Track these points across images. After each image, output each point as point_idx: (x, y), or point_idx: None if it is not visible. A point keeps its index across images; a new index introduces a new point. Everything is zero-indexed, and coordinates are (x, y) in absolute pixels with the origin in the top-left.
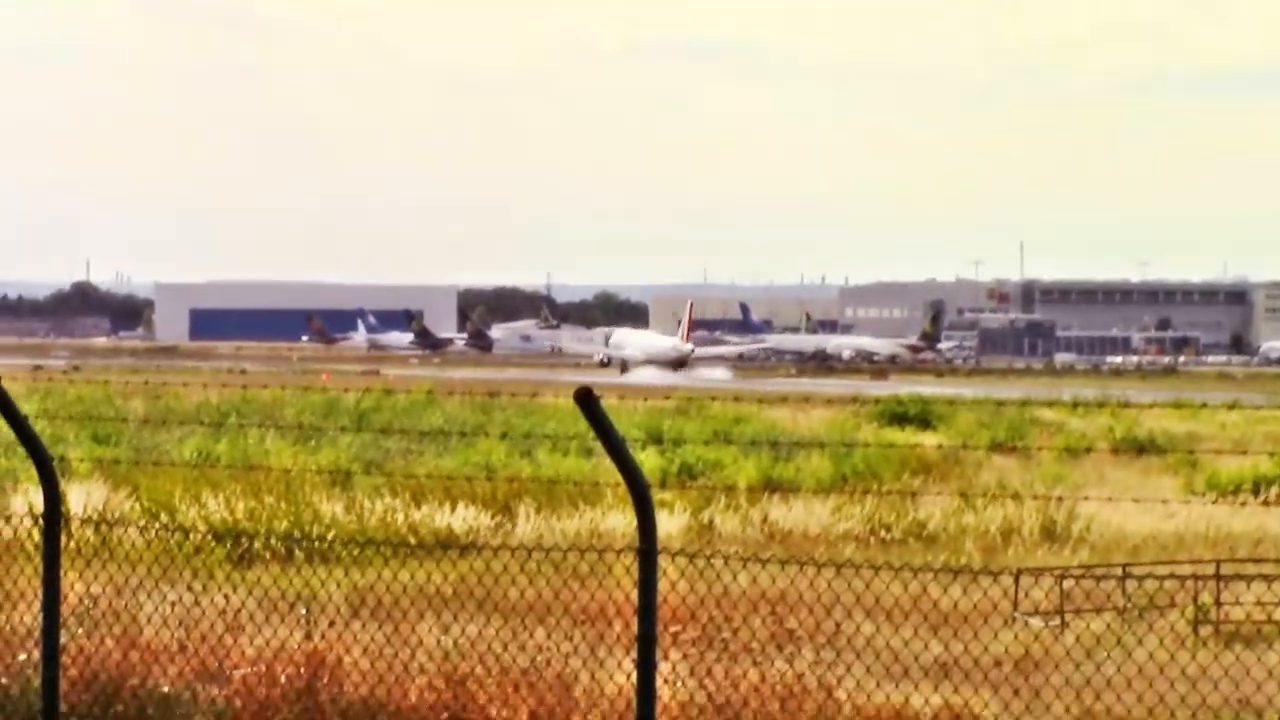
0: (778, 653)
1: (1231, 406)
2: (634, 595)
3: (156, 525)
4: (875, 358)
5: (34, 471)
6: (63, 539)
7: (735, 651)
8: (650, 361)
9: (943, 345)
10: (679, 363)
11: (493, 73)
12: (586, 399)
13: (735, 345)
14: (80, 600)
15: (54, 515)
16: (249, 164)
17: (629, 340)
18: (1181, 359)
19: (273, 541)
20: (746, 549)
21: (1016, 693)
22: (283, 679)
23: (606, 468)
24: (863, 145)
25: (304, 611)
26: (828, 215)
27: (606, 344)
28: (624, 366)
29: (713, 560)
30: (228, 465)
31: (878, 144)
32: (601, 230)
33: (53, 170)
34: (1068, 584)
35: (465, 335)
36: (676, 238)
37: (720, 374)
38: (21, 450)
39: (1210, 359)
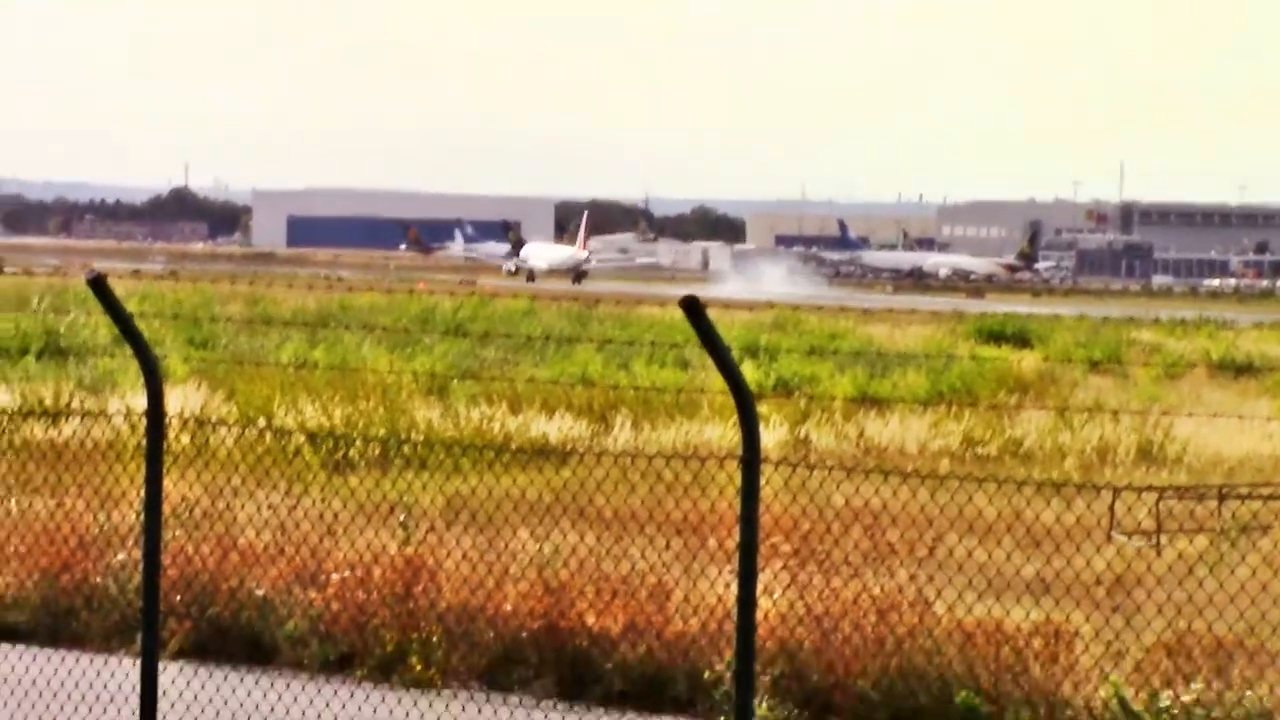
0: (875, 567)
1: None
2: (731, 507)
3: (254, 429)
4: (972, 276)
5: (131, 377)
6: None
7: (833, 564)
8: (552, 270)
9: (1040, 265)
10: (579, 273)
11: None
12: (693, 306)
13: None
14: (178, 504)
15: (157, 412)
16: (350, 73)
17: (535, 252)
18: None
19: (369, 447)
20: (842, 464)
21: (1115, 610)
22: (379, 584)
23: (700, 381)
24: (963, 64)
25: (401, 517)
26: (927, 133)
27: (516, 256)
28: (530, 275)
29: (813, 472)
30: (328, 368)
31: (978, 63)
32: (700, 144)
33: (153, 77)
34: (1164, 504)
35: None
36: (776, 153)
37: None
38: (118, 353)
39: None
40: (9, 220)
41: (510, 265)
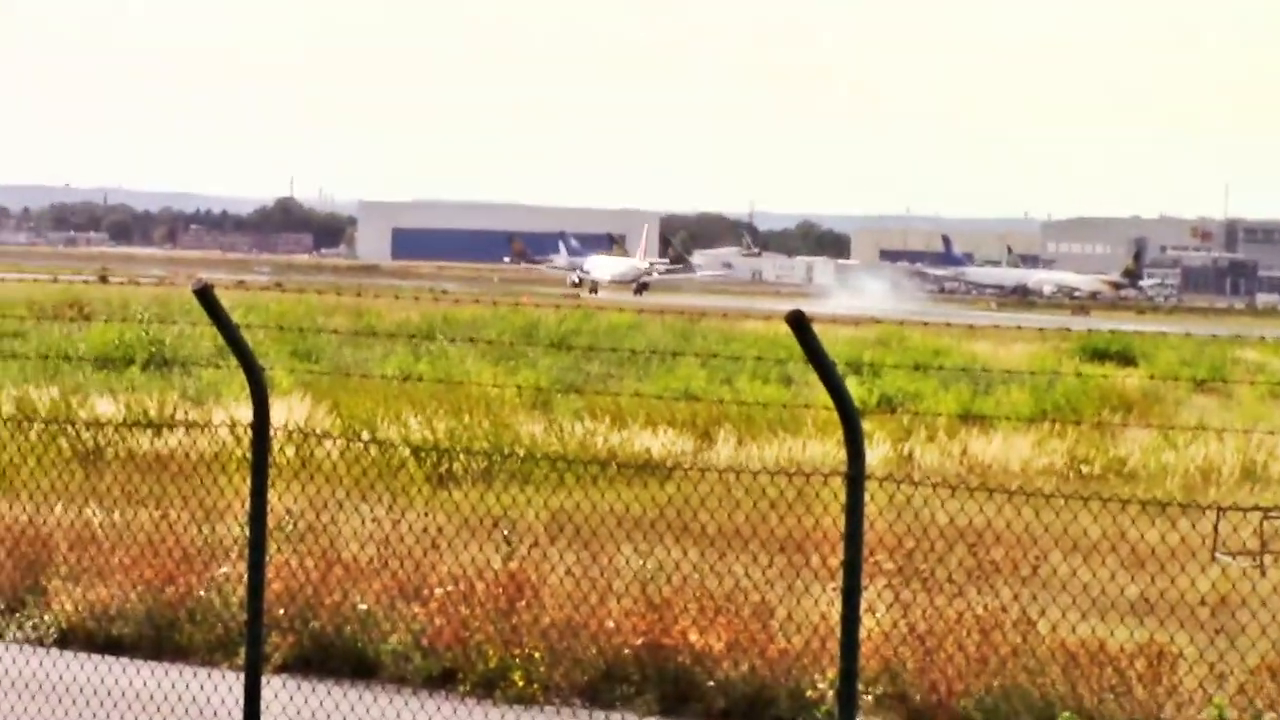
0: (978, 585)
1: None
2: (834, 525)
3: (357, 442)
4: (1076, 293)
5: (235, 389)
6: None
7: (936, 583)
8: (615, 281)
9: (1144, 282)
10: (641, 284)
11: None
12: (799, 321)
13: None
14: (282, 516)
15: (263, 423)
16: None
17: (597, 264)
18: None
19: (473, 461)
20: (946, 482)
21: (1218, 631)
22: (482, 600)
23: (804, 398)
24: (1067, 80)
25: (505, 532)
26: (1032, 149)
27: (578, 269)
28: (594, 287)
29: (917, 490)
30: (434, 380)
31: (1083, 79)
32: (806, 159)
33: (259, 88)
34: (1269, 524)
35: (666, 260)
36: (881, 169)
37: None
38: (223, 364)
39: None
40: (115, 231)
41: (574, 277)
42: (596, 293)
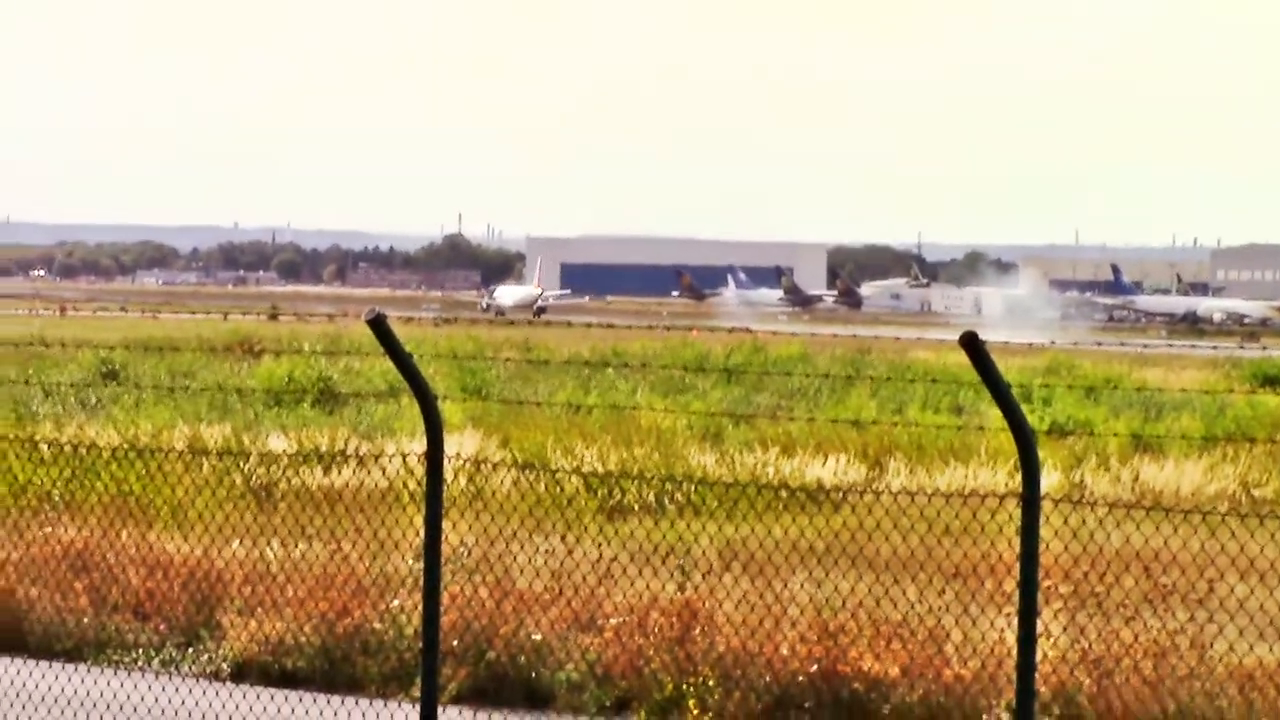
0: (1152, 609)
1: None
2: (1009, 548)
3: (529, 474)
4: (1246, 320)
5: (406, 423)
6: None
7: (1110, 607)
8: (517, 306)
9: None
10: (539, 309)
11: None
12: (972, 343)
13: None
14: (455, 548)
15: (437, 451)
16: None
17: (503, 292)
18: None
19: (644, 492)
20: (1121, 503)
21: None
22: (655, 629)
23: (974, 426)
24: (1236, 107)
25: (679, 561)
26: (1201, 177)
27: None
28: (500, 311)
29: (1091, 512)
30: (604, 408)
31: (1251, 105)
32: (972, 189)
33: (426, 125)
34: None
35: (835, 292)
36: (1048, 198)
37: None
38: (391, 400)
39: None
40: (284, 269)
41: (484, 303)
42: (504, 314)
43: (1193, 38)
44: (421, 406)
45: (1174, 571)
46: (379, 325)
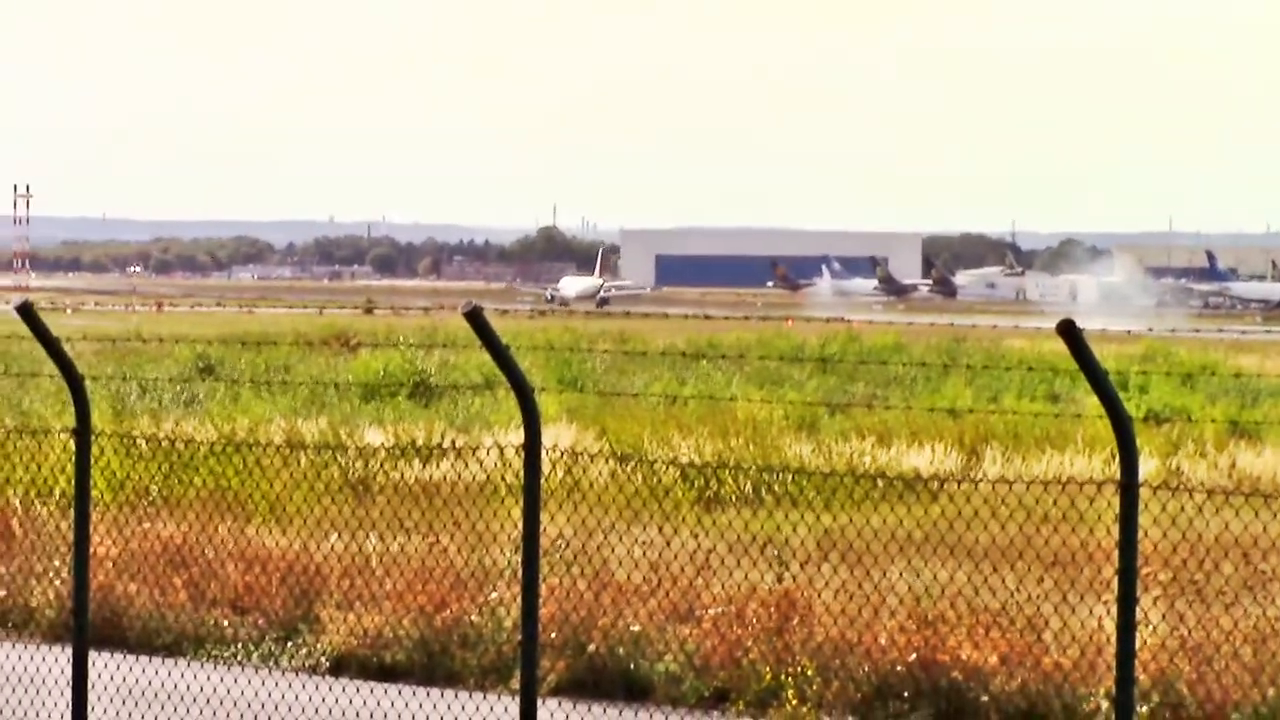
0: (1250, 596)
1: None
2: (1108, 535)
3: (626, 466)
4: None
5: (501, 416)
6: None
7: (1209, 594)
8: (580, 297)
9: None
10: (603, 299)
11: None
12: (1069, 330)
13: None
14: (553, 540)
15: (534, 441)
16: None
17: (566, 283)
18: None
19: (741, 483)
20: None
21: None
22: (754, 619)
23: (1070, 413)
24: None
25: (776, 552)
26: None
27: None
28: (564, 302)
29: (1189, 498)
30: (699, 399)
31: None
32: (1067, 177)
33: (522, 119)
34: None
35: (929, 281)
36: (1143, 185)
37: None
38: (486, 393)
39: None
40: (379, 263)
41: (548, 294)
42: (567, 305)
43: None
44: (519, 399)
45: (1273, 557)
46: (476, 318)
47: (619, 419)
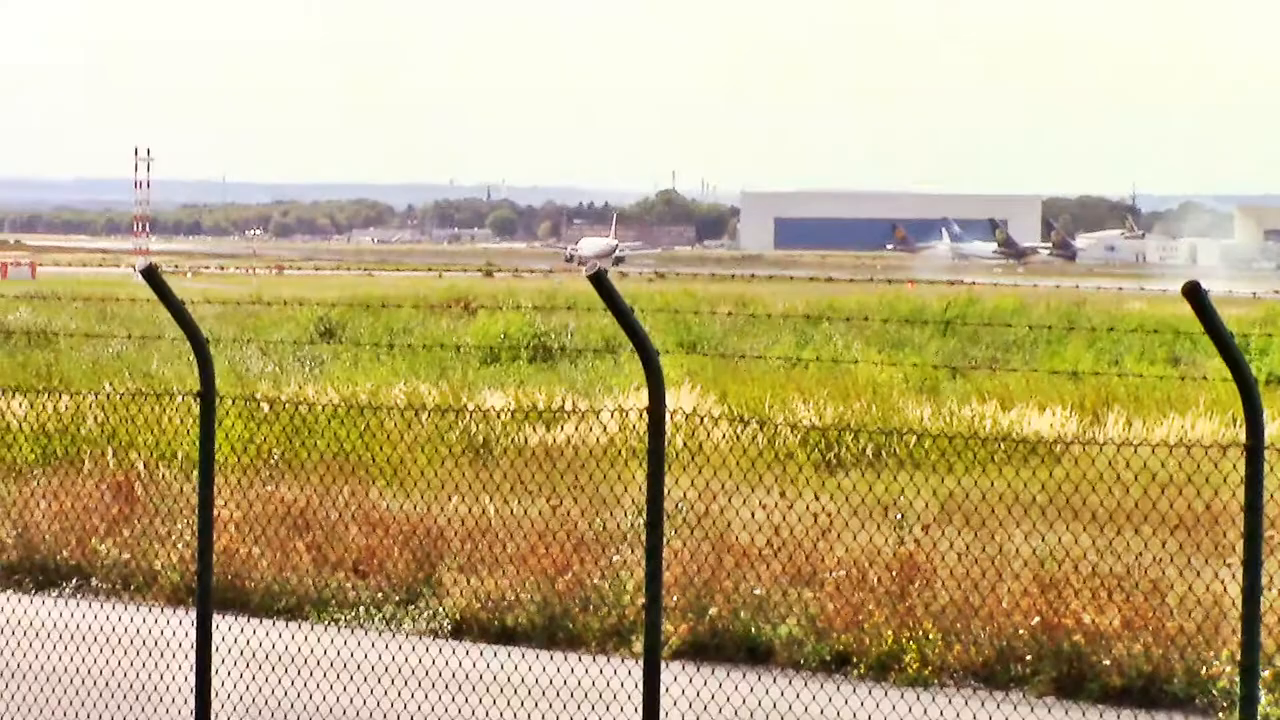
0: None
1: None
2: (1230, 503)
3: (747, 429)
4: None
5: (622, 379)
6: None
7: None
8: (598, 256)
9: None
10: (619, 258)
11: None
12: (1194, 292)
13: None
14: (678, 500)
15: (659, 408)
16: (835, 74)
17: (585, 244)
18: None
19: (862, 446)
20: None
21: None
22: (876, 583)
23: (1192, 376)
24: None
25: (899, 515)
26: None
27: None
28: (581, 262)
29: None
30: (820, 361)
31: None
32: (1188, 140)
33: (641, 83)
34: None
35: (1049, 244)
36: (1264, 147)
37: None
38: (607, 357)
39: None
40: (499, 226)
41: (567, 253)
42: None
43: None
44: (644, 362)
45: None
46: (600, 281)
47: (740, 382)
